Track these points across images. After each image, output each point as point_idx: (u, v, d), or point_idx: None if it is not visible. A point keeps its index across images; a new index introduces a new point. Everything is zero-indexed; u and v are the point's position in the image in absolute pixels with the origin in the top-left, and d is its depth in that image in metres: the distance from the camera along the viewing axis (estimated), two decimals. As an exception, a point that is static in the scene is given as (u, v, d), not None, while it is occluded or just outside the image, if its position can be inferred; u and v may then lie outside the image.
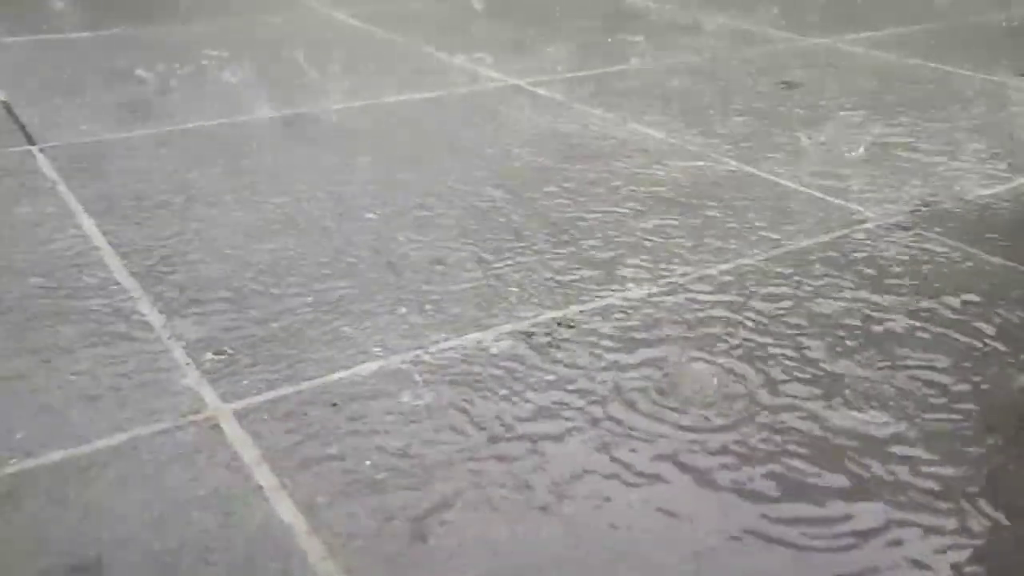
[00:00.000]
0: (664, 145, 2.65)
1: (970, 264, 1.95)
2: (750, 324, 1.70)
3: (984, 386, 1.53)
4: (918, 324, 1.71)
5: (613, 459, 1.35)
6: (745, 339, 1.65)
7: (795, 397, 1.49)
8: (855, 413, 1.46)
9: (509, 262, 1.93)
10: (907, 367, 1.58)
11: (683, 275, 1.88)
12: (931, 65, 3.53)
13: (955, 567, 1.17)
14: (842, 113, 2.94)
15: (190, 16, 4.34)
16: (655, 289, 1.83)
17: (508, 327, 1.69)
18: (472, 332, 1.68)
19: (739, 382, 1.53)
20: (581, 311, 1.75)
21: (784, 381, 1.53)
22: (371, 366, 1.57)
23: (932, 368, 1.58)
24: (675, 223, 2.13)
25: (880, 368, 1.57)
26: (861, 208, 2.22)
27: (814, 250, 2.00)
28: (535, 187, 2.33)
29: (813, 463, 1.34)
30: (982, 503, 1.27)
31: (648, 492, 1.29)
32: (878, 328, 1.70)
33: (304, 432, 1.41)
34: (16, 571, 1.15)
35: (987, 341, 1.66)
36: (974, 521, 1.24)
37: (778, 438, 1.39)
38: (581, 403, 1.47)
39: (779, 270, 1.91)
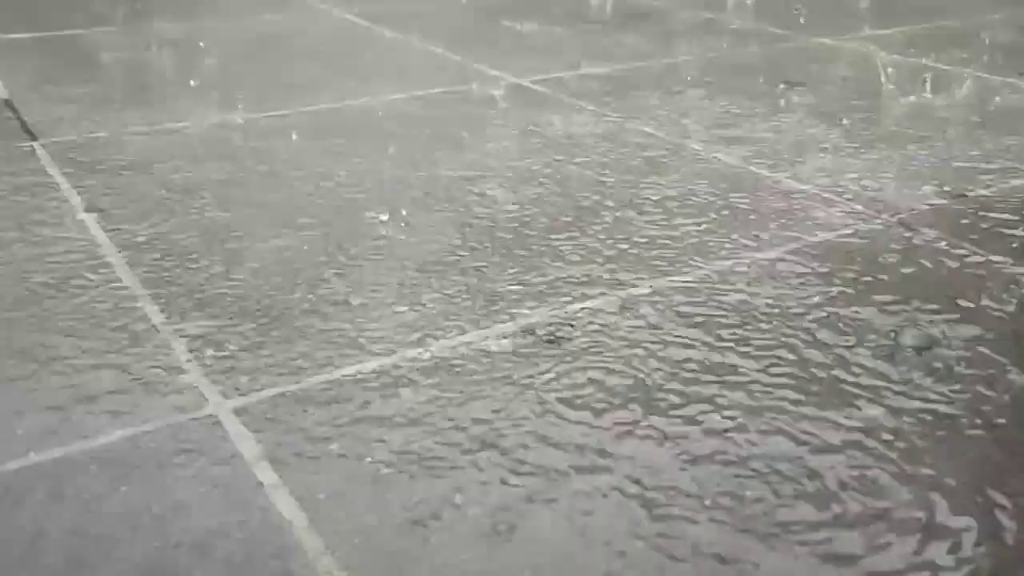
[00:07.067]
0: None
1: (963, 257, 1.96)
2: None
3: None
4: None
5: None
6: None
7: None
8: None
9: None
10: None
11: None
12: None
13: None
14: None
15: (193, 14, 4.34)
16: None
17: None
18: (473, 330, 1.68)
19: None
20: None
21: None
22: (371, 364, 1.58)
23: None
24: (675, 222, 2.12)
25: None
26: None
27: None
28: (536, 185, 2.33)
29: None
30: (982, 504, 1.28)
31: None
32: (878, 327, 1.70)
33: (304, 429, 1.41)
34: (16, 568, 1.15)
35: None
36: (973, 520, 1.24)
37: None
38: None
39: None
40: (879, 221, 2.15)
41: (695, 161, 2.52)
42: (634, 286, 1.84)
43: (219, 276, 1.87)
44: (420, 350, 1.62)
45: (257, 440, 1.38)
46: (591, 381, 1.53)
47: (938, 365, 1.58)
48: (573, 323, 1.70)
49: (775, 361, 1.59)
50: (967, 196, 2.31)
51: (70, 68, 3.39)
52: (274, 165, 2.47)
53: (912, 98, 3.09)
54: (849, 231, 2.10)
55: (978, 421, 1.44)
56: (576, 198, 2.27)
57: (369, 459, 1.34)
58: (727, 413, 1.45)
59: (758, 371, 1.56)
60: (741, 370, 1.56)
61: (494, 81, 3.29)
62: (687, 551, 1.18)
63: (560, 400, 1.48)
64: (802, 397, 1.49)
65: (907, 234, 2.09)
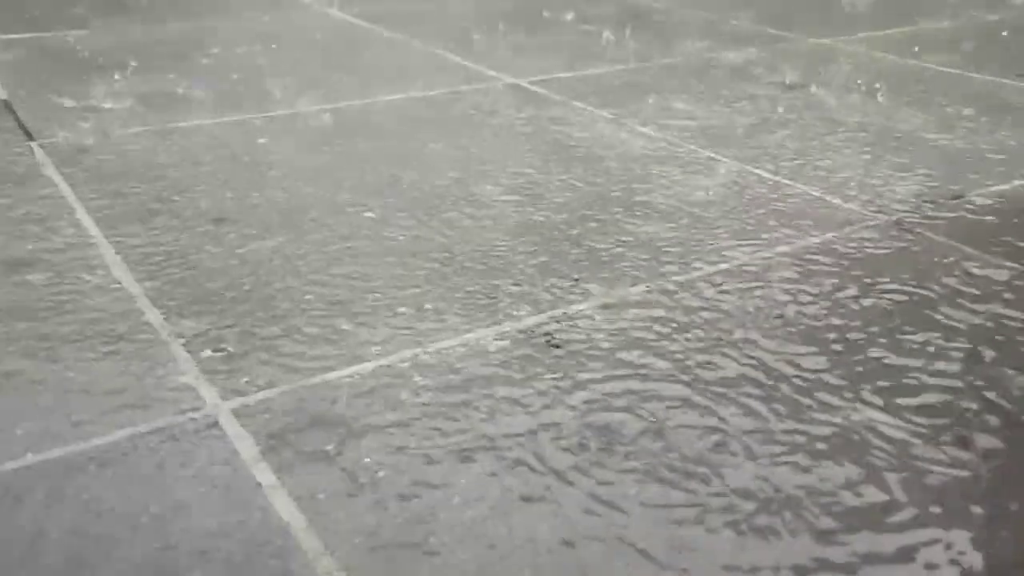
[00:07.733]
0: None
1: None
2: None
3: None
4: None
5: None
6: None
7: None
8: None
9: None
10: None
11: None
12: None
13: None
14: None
15: (193, 15, 4.34)
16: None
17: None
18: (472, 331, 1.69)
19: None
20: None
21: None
22: (370, 365, 1.58)
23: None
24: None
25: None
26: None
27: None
28: (534, 186, 2.34)
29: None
30: (980, 503, 1.28)
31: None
32: (876, 328, 1.70)
33: (303, 429, 1.41)
34: (16, 568, 1.16)
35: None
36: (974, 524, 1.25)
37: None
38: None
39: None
40: (876, 222, 2.15)
41: (694, 162, 2.52)
42: (632, 286, 1.84)
43: (217, 276, 1.87)
44: (418, 350, 1.62)
45: (255, 441, 1.38)
46: (590, 381, 1.53)
47: (936, 366, 1.59)
48: (572, 324, 1.71)
49: (768, 361, 1.59)
50: (965, 197, 2.31)
51: (68, 68, 3.38)
52: (273, 165, 2.47)
53: (910, 99, 3.09)
54: (847, 232, 2.10)
55: (976, 421, 1.44)
56: (574, 199, 2.27)
57: (368, 459, 1.35)
58: (727, 410, 1.46)
59: (751, 370, 1.57)
60: (737, 370, 1.57)
61: (493, 82, 3.30)
62: (696, 546, 1.19)
63: (559, 400, 1.48)
64: (795, 397, 1.50)
65: (904, 235, 2.09)
